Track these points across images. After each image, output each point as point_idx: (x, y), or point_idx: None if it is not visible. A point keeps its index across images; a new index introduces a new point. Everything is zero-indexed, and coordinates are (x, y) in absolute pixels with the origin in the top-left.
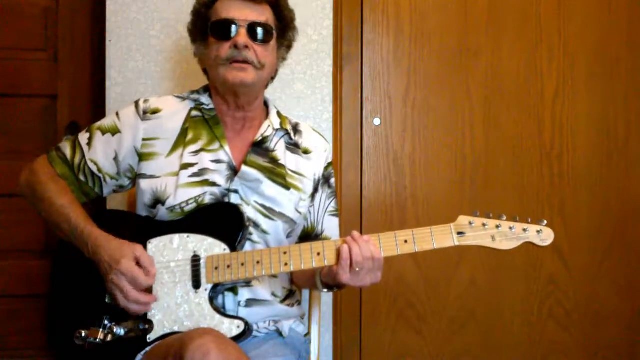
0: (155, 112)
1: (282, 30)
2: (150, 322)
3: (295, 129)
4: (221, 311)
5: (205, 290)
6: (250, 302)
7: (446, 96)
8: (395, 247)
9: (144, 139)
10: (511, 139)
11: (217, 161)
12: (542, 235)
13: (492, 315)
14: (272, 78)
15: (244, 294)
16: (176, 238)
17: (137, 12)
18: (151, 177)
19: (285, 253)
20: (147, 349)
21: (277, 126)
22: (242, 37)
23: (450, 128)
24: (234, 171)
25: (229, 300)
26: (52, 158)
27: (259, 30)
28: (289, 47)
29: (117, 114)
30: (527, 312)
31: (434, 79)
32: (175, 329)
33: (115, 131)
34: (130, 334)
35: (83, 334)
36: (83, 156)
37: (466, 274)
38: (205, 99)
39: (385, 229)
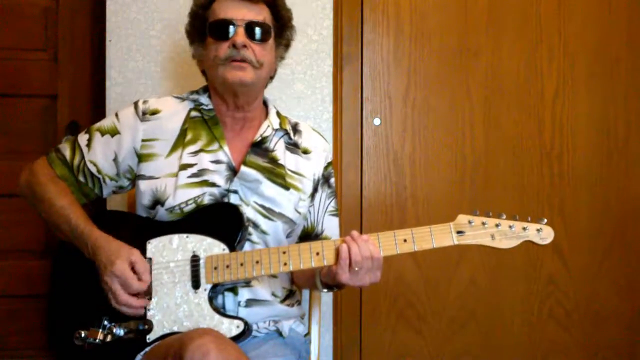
0: (154, 112)
1: (279, 29)
2: (149, 323)
3: (295, 128)
4: (220, 311)
5: (205, 290)
6: (250, 302)
7: (446, 96)
8: (394, 247)
9: (143, 140)
10: (511, 139)
11: (217, 161)
12: (542, 234)
13: (492, 315)
14: (271, 78)
15: (244, 294)
16: (175, 238)
17: (137, 12)
18: (150, 177)
19: (284, 253)
20: (147, 349)
21: (277, 126)
22: (240, 37)
23: (450, 128)
24: (233, 171)
25: (228, 300)
26: (51, 159)
27: (257, 30)
28: (287, 46)
29: (117, 115)
30: (527, 312)
31: (434, 79)
32: (175, 329)
33: (114, 132)
34: (129, 334)
35: (83, 334)
36: (82, 157)
37: (466, 273)
38: (204, 99)
39: (385, 228)
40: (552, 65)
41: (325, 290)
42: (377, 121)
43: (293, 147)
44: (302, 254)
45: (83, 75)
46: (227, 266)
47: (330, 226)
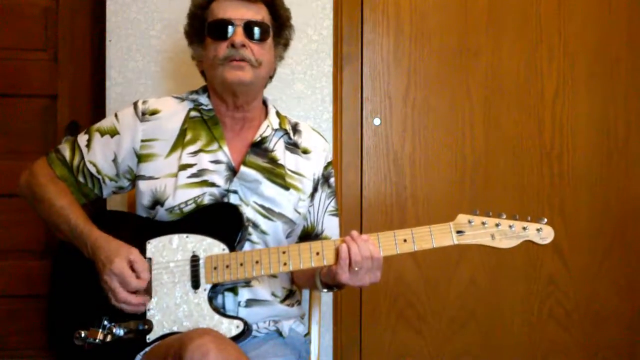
0: (153, 113)
1: (278, 28)
2: (149, 323)
3: (295, 128)
4: (220, 311)
5: (205, 290)
6: (250, 302)
7: (446, 96)
8: (394, 246)
9: (142, 140)
10: (511, 139)
11: (216, 162)
12: (542, 234)
13: (492, 315)
14: (271, 77)
15: (244, 294)
16: (175, 238)
17: (137, 12)
18: (150, 178)
19: (284, 253)
20: (147, 349)
21: (276, 126)
22: (239, 36)
23: (450, 128)
24: (233, 172)
25: (228, 300)
26: (51, 160)
27: (255, 29)
28: (285, 45)
29: (116, 115)
30: (527, 312)
31: (434, 79)
32: (175, 329)
33: (114, 133)
34: (129, 334)
35: (82, 334)
36: (82, 158)
37: (466, 273)
38: (203, 99)
39: (385, 228)
40: (552, 65)
41: (325, 290)
42: (377, 121)
43: (293, 147)
44: (302, 254)
45: (83, 75)
46: (227, 266)
47: (330, 226)
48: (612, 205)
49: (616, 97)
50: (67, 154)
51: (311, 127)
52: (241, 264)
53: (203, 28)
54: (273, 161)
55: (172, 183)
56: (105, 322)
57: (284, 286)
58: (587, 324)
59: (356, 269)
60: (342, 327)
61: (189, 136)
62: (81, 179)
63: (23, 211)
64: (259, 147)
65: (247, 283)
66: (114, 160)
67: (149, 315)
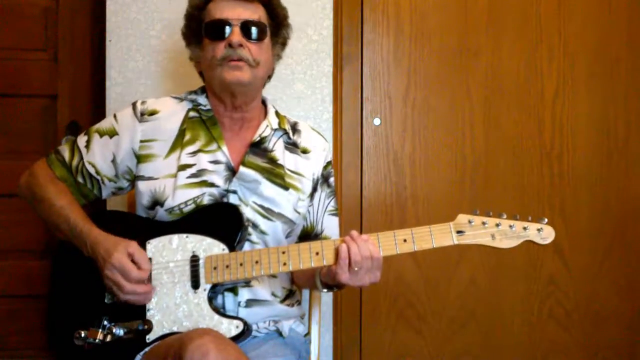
0: (152, 113)
1: (275, 27)
2: (149, 323)
3: (294, 128)
4: (220, 311)
5: (204, 290)
6: (250, 302)
7: (446, 96)
8: (394, 246)
9: (141, 141)
10: (511, 139)
11: (215, 162)
12: (543, 234)
13: (492, 315)
14: (269, 77)
15: (244, 294)
16: (175, 238)
17: (137, 12)
18: (149, 178)
19: (284, 253)
20: (146, 349)
21: (276, 126)
22: (236, 36)
23: (450, 128)
24: (232, 172)
25: (228, 300)
26: (51, 161)
27: (253, 29)
28: (283, 44)
29: (115, 116)
30: (527, 312)
31: (434, 79)
32: (174, 329)
33: (112, 133)
34: (129, 334)
35: (82, 334)
36: (81, 158)
37: (466, 273)
38: (202, 99)
39: (385, 228)
40: (552, 65)
41: (325, 290)
42: (377, 121)
43: (292, 146)
44: (301, 254)
45: (83, 75)
46: (227, 266)
47: (330, 226)
48: (612, 205)
49: (616, 97)
50: (66, 154)
51: (310, 127)
52: (241, 264)
53: (200, 29)
54: (272, 161)
55: (172, 183)
56: (105, 322)
57: (283, 286)
58: (587, 324)
59: (356, 269)
60: (342, 327)
61: (187, 136)
62: (80, 180)
63: (23, 211)
64: (258, 147)
65: (247, 283)
66: (113, 161)
67: (148, 315)
